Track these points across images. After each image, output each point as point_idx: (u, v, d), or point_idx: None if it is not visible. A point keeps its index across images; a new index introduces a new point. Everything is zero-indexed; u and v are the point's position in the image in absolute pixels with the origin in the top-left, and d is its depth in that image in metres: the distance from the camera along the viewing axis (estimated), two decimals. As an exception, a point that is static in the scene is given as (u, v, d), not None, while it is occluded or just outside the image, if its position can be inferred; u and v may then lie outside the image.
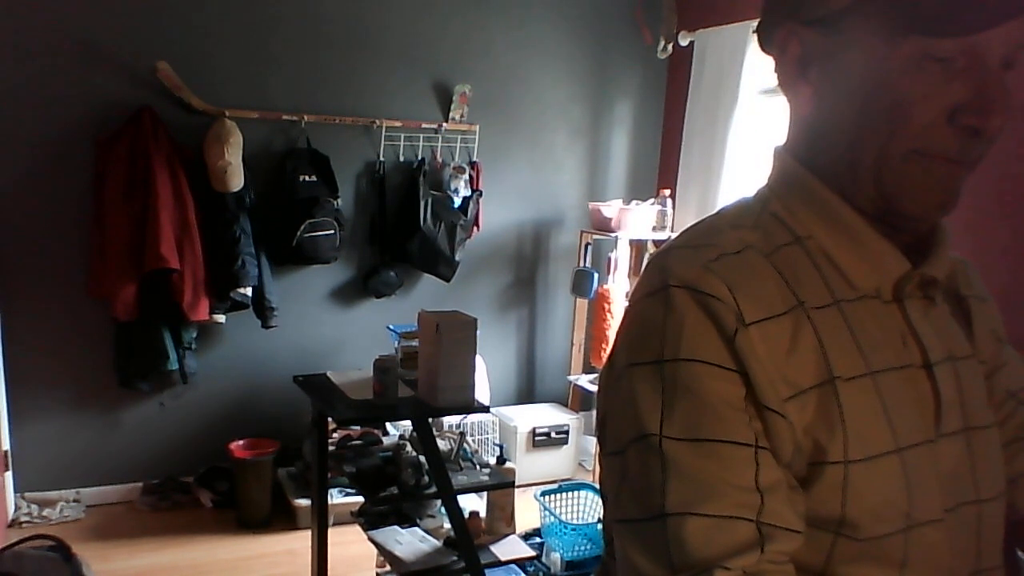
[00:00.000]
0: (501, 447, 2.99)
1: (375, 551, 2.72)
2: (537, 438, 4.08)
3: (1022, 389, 0.85)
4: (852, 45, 0.68)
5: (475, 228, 4.11)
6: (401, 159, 3.99)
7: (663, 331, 0.66)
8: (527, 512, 3.34)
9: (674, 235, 0.92)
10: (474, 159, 4.12)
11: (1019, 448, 0.83)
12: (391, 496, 2.52)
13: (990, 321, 0.85)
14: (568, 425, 4.16)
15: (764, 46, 0.76)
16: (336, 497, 3.47)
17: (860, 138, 0.68)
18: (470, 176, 4.06)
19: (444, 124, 4.04)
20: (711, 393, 0.64)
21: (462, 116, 4.07)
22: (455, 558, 2.55)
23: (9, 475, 3.48)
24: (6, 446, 3.43)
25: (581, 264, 4.21)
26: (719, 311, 0.65)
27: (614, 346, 0.72)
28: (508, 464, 2.84)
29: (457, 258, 3.99)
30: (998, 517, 0.75)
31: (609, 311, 3.93)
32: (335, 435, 3.32)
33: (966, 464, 0.72)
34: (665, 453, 0.64)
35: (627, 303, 0.72)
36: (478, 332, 2.46)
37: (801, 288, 0.69)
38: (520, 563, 2.69)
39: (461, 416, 3.37)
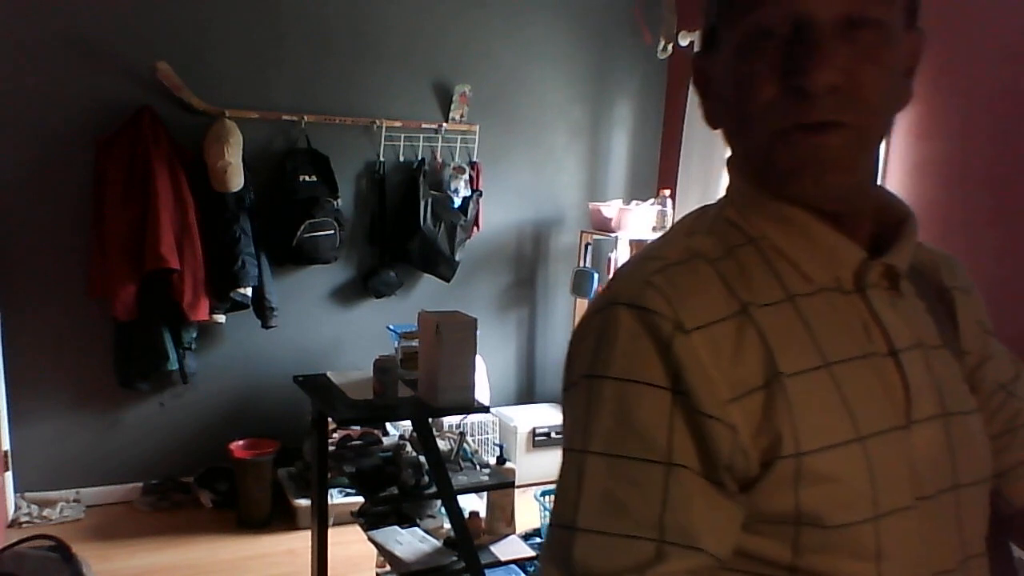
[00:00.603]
0: (501, 447, 2.99)
1: (375, 551, 2.72)
2: (537, 438, 4.08)
3: (1011, 380, 0.84)
4: (719, 53, 0.71)
5: (475, 228, 4.11)
6: (401, 159, 3.99)
7: (598, 348, 0.68)
8: (527, 512, 3.34)
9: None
10: (474, 159, 4.12)
11: (1010, 440, 0.82)
12: (391, 496, 2.52)
13: (976, 312, 0.84)
14: (568, 425, 4.15)
15: None
16: (336, 497, 3.47)
17: (740, 136, 0.71)
18: (470, 176, 4.06)
19: (444, 124, 4.04)
20: (633, 411, 0.65)
21: (462, 116, 4.07)
22: (455, 558, 2.55)
23: (9, 475, 3.48)
24: (6, 446, 3.43)
25: (581, 264, 4.21)
26: (656, 324, 0.66)
27: (566, 360, 0.74)
28: (508, 464, 2.84)
29: (457, 258, 3.99)
30: (980, 503, 0.75)
31: (609, 311, 3.93)
32: (335, 435, 3.32)
33: (944, 450, 0.71)
34: (583, 467, 0.66)
35: (580, 318, 0.75)
36: (478, 332, 2.46)
37: (750, 288, 0.70)
38: (520, 563, 2.69)
39: (461, 416, 3.37)
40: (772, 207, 0.72)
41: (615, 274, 0.74)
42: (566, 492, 0.67)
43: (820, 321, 0.70)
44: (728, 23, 0.69)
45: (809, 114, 0.65)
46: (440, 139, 4.05)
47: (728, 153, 0.79)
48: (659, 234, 3.73)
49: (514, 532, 2.83)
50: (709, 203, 0.80)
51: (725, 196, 0.78)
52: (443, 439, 2.76)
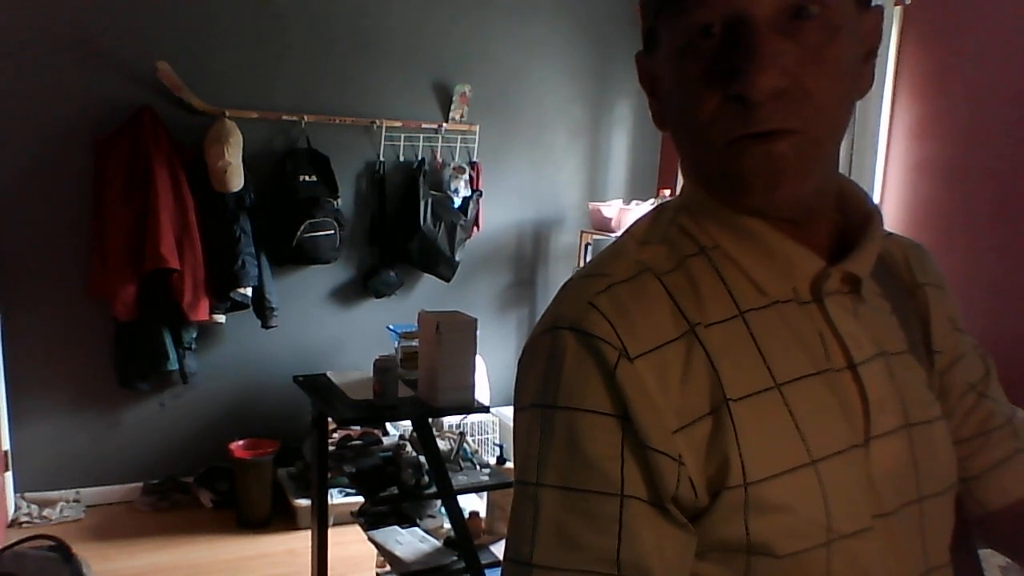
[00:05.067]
0: (501, 447, 3.00)
1: (375, 551, 2.72)
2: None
3: (981, 379, 0.82)
4: (660, 53, 0.67)
5: (475, 228, 4.11)
6: (401, 159, 3.99)
7: (546, 375, 0.66)
8: (527, 512, 3.34)
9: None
10: (474, 159, 4.12)
11: (983, 443, 0.80)
12: (391, 496, 2.52)
13: (948, 309, 0.81)
14: (568, 425, 4.14)
15: None
16: (336, 497, 3.47)
17: (688, 144, 0.67)
18: (470, 176, 4.06)
19: (444, 124, 4.04)
20: (583, 442, 0.63)
21: (462, 116, 4.07)
22: (455, 558, 2.55)
23: (9, 475, 3.48)
24: (6, 446, 3.43)
25: (581, 264, 4.21)
26: (601, 350, 0.63)
27: (515, 382, 0.72)
28: (508, 464, 2.85)
29: (457, 258, 3.99)
30: (944, 513, 0.73)
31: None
32: (335, 435, 3.32)
33: (908, 463, 0.69)
34: (537, 502, 0.64)
35: (527, 339, 0.72)
36: (478, 332, 2.46)
37: (700, 305, 0.67)
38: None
39: (461, 416, 3.37)
40: (726, 214, 0.69)
41: (562, 289, 0.71)
42: (521, 526, 0.65)
43: (771, 338, 0.67)
44: (665, 23, 0.64)
45: (754, 123, 0.60)
46: (440, 139, 4.05)
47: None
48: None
49: (514, 532, 2.83)
50: (668, 200, 0.77)
51: (680, 197, 0.75)
52: (443, 439, 2.76)
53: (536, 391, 0.66)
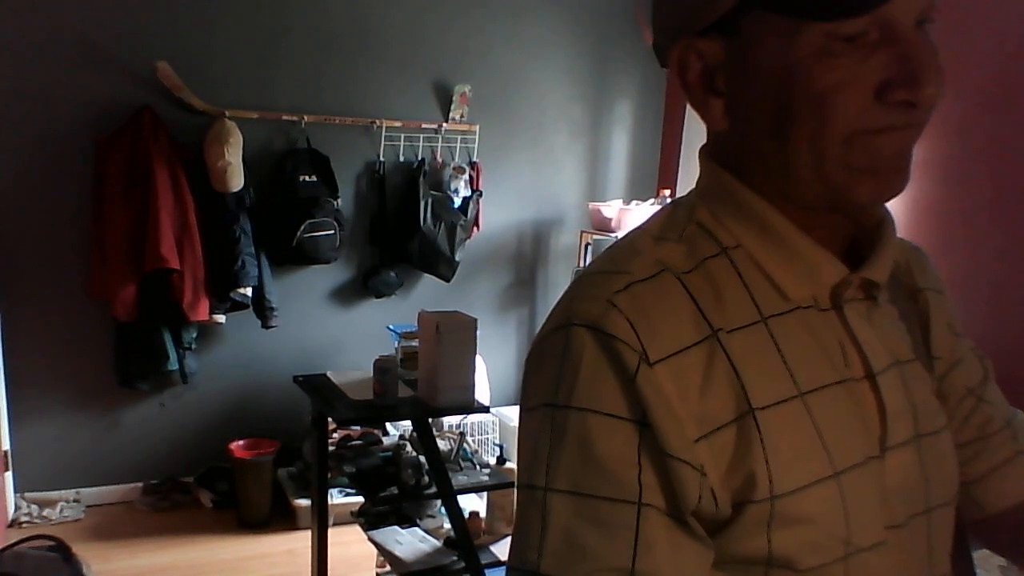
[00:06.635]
0: (501, 447, 3.00)
1: (375, 551, 2.72)
2: (537, 438, 4.07)
3: (979, 384, 0.81)
4: (754, 45, 0.62)
5: (475, 228, 4.11)
6: (401, 159, 3.99)
7: (559, 374, 0.63)
8: (527, 512, 3.33)
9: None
10: (474, 159, 4.12)
11: (982, 447, 0.80)
12: (391, 496, 2.52)
13: (947, 314, 0.81)
14: (568, 425, 4.14)
15: (664, 65, 0.70)
16: (336, 497, 3.47)
17: (788, 139, 0.63)
18: (470, 176, 4.06)
19: (444, 124, 4.04)
20: (598, 446, 0.61)
21: (462, 116, 4.07)
22: (455, 558, 2.55)
23: (9, 475, 3.48)
24: (6, 446, 3.43)
25: (581, 264, 4.21)
26: (620, 352, 0.61)
27: (523, 380, 0.70)
28: (508, 464, 2.85)
29: (457, 258, 3.99)
30: (948, 522, 0.73)
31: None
32: (335, 435, 3.32)
33: (918, 474, 0.69)
34: (546, 507, 0.62)
35: (536, 335, 0.69)
36: (478, 332, 2.46)
37: (722, 308, 0.65)
38: (520, 563, 2.69)
39: (461, 416, 3.37)
40: (756, 213, 0.67)
41: (577, 283, 0.68)
42: (527, 532, 0.62)
43: (794, 345, 0.66)
44: (787, 18, 0.60)
45: (913, 120, 0.61)
46: (440, 139, 4.05)
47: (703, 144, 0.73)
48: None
49: (514, 532, 2.83)
50: (680, 197, 0.75)
51: (696, 193, 0.73)
52: (443, 439, 2.76)
53: (548, 390, 0.64)
